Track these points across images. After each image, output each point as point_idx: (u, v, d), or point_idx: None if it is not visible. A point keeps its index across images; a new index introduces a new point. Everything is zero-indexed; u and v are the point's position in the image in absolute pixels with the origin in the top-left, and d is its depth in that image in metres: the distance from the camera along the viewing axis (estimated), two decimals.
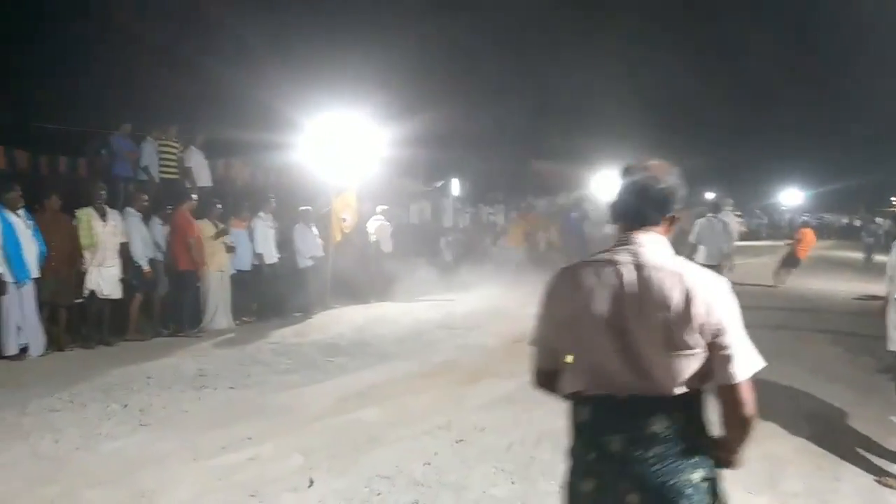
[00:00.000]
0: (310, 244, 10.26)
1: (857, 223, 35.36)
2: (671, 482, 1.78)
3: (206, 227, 8.67)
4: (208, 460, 4.36)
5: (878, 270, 15.27)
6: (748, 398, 1.79)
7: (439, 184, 17.95)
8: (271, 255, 9.74)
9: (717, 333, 1.78)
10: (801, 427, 5.11)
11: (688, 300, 1.76)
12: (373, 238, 11.89)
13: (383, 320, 9.56)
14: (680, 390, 1.80)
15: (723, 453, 1.90)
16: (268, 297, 9.79)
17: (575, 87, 26.16)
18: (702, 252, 9.75)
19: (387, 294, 11.71)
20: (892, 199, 38.15)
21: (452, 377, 6.54)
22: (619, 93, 25.73)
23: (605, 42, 26.04)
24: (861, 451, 4.74)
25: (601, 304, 1.84)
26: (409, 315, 9.99)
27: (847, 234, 31.62)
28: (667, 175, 1.94)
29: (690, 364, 1.78)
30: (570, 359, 1.93)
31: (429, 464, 4.35)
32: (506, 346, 7.97)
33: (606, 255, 1.90)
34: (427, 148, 17.49)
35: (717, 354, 1.79)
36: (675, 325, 1.76)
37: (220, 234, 8.81)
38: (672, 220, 1.96)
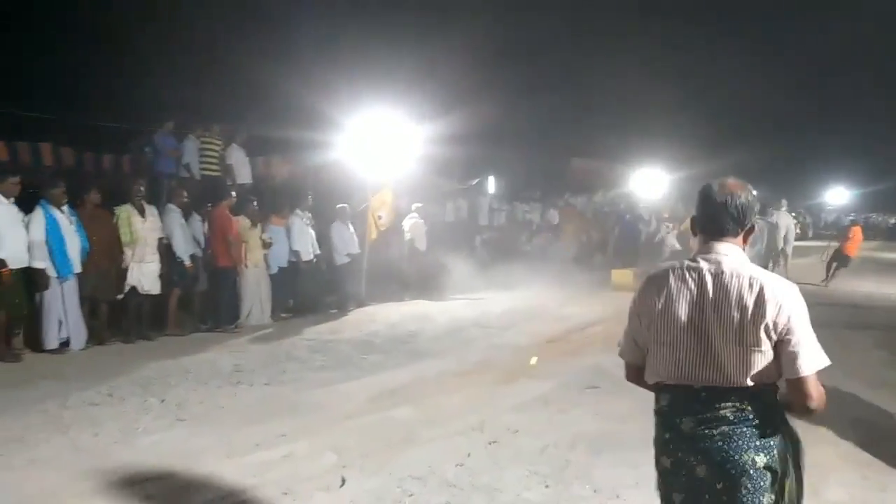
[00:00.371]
0: (346, 241, 10.33)
1: None
2: (735, 458, 2.04)
3: (243, 224, 8.76)
4: (243, 457, 4.38)
5: None
6: (813, 392, 2.06)
7: (475, 181, 17.88)
8: (308, 253, 9.81)
9: (786, 333, 2.03)
10: (846, 433, 4.93)
11: (758, 303, 2.03)
12: (408, 236, 11.90)
13: (418, 318, 9.55)
14: (750, 383, 2.06)
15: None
16: (304, 293, 9.87)
17: (616, 84, 25.84)
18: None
19: (422, 292, 11.71)
20: None
21: (487, 377, 6.49)
22: (661, 90, 25.34)
23: (647, 38, 25.66)
24: None
25: (684, 305, 2.14)
26: (444, 313, 9.97)
27: (895, 235, 30.58)
28: (742, 192, 2.20)
29: (760, 360, 2.04)
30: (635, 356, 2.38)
31: (461, 465, 4.31)
32: (541, 346, 7.89)
33: (690, 263, 2.20)
34: (463, 145, 17.41)
35: (785, 351, 2.04)
36: (747, 324, 2.04)
37: (266, 245, 8.93)
38: (748, 232, 2.23)
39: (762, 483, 2.05)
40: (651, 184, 18.49)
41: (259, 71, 13.45)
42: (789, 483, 2.12)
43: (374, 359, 7.18)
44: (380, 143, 10.54)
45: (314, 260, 9.97)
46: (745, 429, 2.07)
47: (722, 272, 2.12)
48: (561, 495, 3.92)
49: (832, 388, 5.32)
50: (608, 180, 22.57)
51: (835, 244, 14.98)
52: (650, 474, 4.16)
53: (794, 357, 2.03)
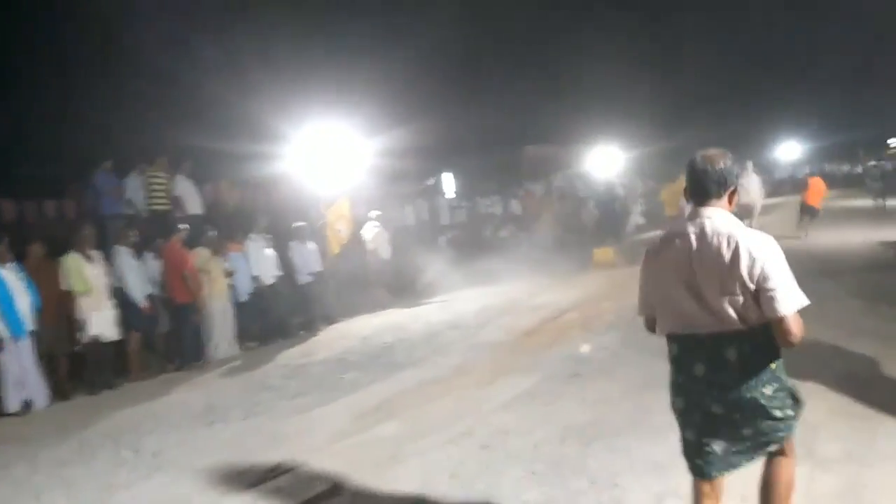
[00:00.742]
0: (307, 260, 10.10)
1: (859, 170, 35.16)
2: (747, 395, 2.45)
3: (201, 256, 8.49)
4: (233, 497, 4.19)
5: (889, 215, 15.13)
6: (794, 328, 2.35)
7: (431, 181, 17.76)
8: (269, 276, 9.57)
9: (763, 280, 2.35)
10: (831, 387, 4.95)
11: (734, 256, 2.37)
12: (370, 246, 11.68)
13: (391, 328, 9.37)
14: (743, 325, 2.41)
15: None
16: (270, 319, 9.61)
17: (565, 66, 25.97)
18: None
19: (392, 300, 11.54)
20: (890, 141, 37.94)
21: (468, 380, 6.37)
22: (610, 69, 25.49)
23: (594, 19, 25.82)
24: (894, 405, 4.57)
25: (678, 264, 2.52)
26: (417, 320, 9.81)
27: (850, 183, 31.31)
28: (722, 159, 2.55)
29: (746, 305, 2.38)
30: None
31: (456, 475, 4.18)
32: (518, 341, 7.80)
33: (680, 227, 2.56)
34: (416, 147, 17.32)
35: (764, 296, 2.35)
36: (727, 276, 2.39)
37: (228, 274, 8.70)
38: (732, 194, 2.56)
39: (775, 402, 2.49)
40: (607, 162, 18.62)
41: (199, 93, 13.12)
42: (790, 389, 2.56)
43: (352, 377, 6.99)
44: (331, 154, 10.36)
45: (275, 283, 9.72)
46: (750, 368, 2.46)
47: (705, 233, 2.47)
48: (560, 492, 3.82)
49: (814, 341, 5.36)
50: (563, 163, 22.67)
51: (796, 197, 15.33)
52: (643, 457, 4.13)
53: (772, 300, 2.34)
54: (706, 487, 2.65)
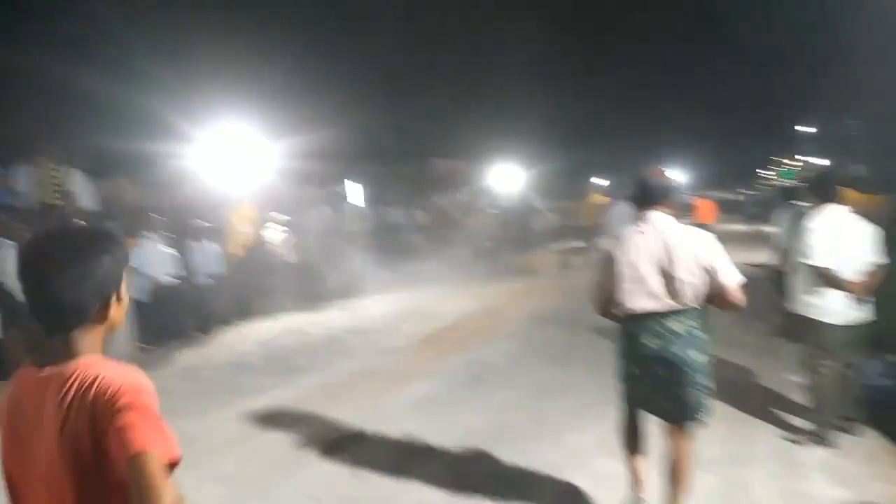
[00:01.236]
0: (206, 261, 9.77)
1: (740, 197, 37.91)
2: (684, 358, 3.13)
3: None
4: None
5: (761, 238, 16.35)
6: (738, 294, 3.12)
7: (338, 188, 17.59)
8: (165, 276, 9.19)
9: (708, 265, 3.09)
10: (712, 394, 5.30)
11: (685, 245, 3.11)
12: (274, 249, 11.45)
13: (293, 332, 9.22)
14: (688, 304, 3.13)
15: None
16: (166, 320, 9.21)
17: (470, 85, 26.46)
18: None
19: (294, 305, 11.33)
20: (761, 172, 41.24)
21: (371, 384, 6.38)
22: (511, 92, 26.28)
23: (496, 42, 26.47)
24: (769, 410, 5.00)
25: (642, 255, 3.14)
26: (319, 324, 9.70)
27: (728, 209, 33.64)
28: (661, 176, 3.37)
29: (692, 287, 3.10)
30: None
31: (358, 478, 4.20)
32: (421, 347, 7.89)
33: (638, 227, 3.23)
34: (324, 151, 17.13)
35: (713, 277, 3.09)
36: (678, 259, 3.08)
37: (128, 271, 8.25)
38: (670, 203, 3.29)
39: (702, 369, 3.20)
40: (508, 179, 19.14)
41: (97, 86, 12.43)
42: (710, 361, 3.26)
43: (250, 381, 6.83)
44: (237, 155, 10.11)
45: (174, 283, 9.35)
46: (688, 337, 3.16)
47: (660, 231, 3.16)
48: (462, 495, 3.91)
49: None
50: (468, 177, 23.07)
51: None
52: (543, 460, 4.30)
53: (723, 275, 3.09)
54: (634, 422, 3.43)
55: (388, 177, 20.11)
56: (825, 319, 4.33)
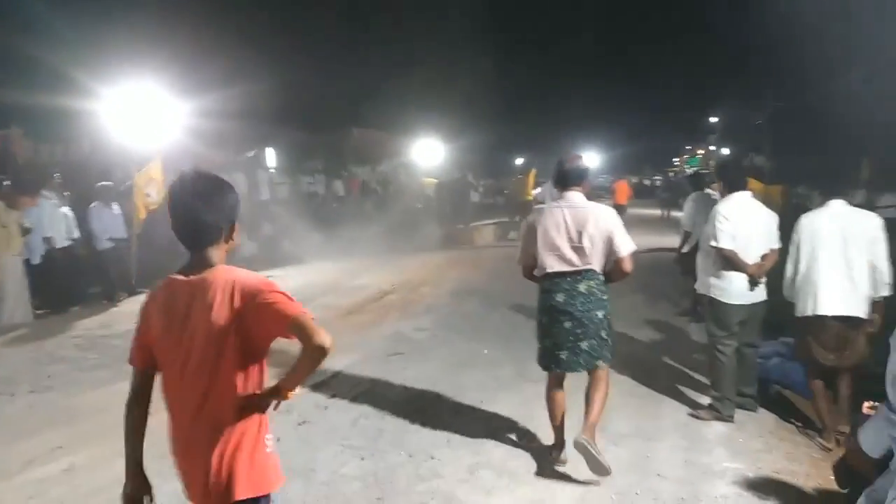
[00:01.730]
0: (108, 224, 9.23)
1: (649, 182, 39.26)
2: (589, 314, 3.72)
3: None
4: (14, 477, 3.79)
5: (672, 224, 17.10)
6: (629, 264, 3.73)
7: (252, 153, 17.02)
8: (63, 239, 8.65)
9: (610, 234, 3.71)
10: (622, 371, 5.54)
11: (592, 220, 3.71)
12: None
13: None
14: (594, 267, 3.74)
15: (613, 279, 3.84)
16: (65, 285, 8.70)
17: (394, 54, 26.08)
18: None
19: None
20: (675, 159, 42.85)
21: (282, 359, 6.20)
22: (433, 66, 26.08)
23: (418, 12, 26.13)
24: (675, 387, 5.24)
25: (557, 226, 3.74)
26: None
27: (640, 194, 34.88)
28: (579, 160, 3.96)
29: (599, 252, 3.72)
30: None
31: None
32: (341, 319, 7.80)
33: (556, 203, 3.85)
34: (237, 117, 16.49)
35: (612, 243, 3.71)
36: (587, 233, 3.69)
37: (26, 231, 7.72)
38: (586, 185, 3.92)
39: (601, 323, 3.76)
40: (429, 153, 19.11)
41: None
42: (609, 320, 3.83)
43: None
44: (144, 113, 9.54)
45: (71, 246, 8.82)
46: (592, 297, 3.74)
47: (573, 207, 3.78)
48: (377, 465, 3.92)
49: None
50: (389, 150, 22.86)
51: (607, 199, 16.96)
52: (459, 431, 4.35)
53: (617, 245, 3.70)
54: (555, 379, 3.94)
55: (306, 144, 19.62)
56: (725, 299, 4.58)
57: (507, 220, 18.12)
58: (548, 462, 3.91)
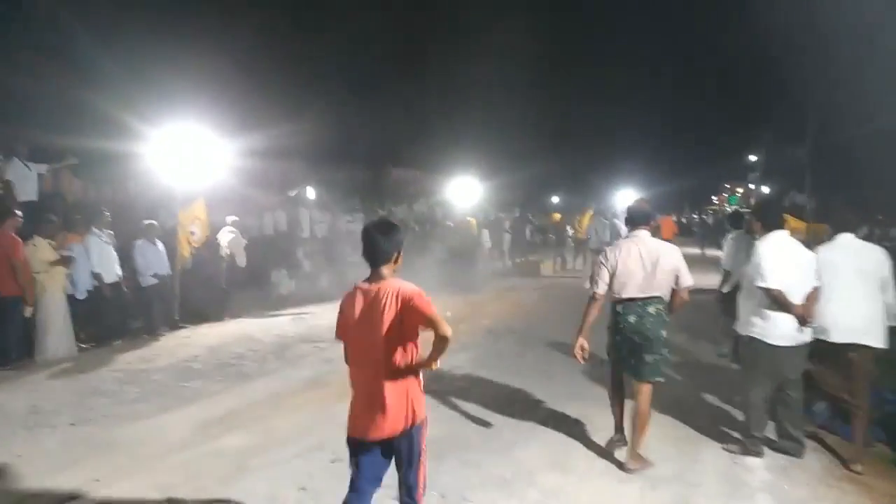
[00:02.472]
0: (152, 261, 9.47)
1: (686, 219, 38.73)
2: (655, 332, 4.39)
3: (41, 245, 7.75)
4: None
5: (711, 262, 16.81)
6: (687, 294, 4.47)
7: (293, 192, 17.35)
8: (111, 274, 8.90)
9: (676, 270, 4.42)
10: (663, 411, 5.42)
11: (662, 255, 4.40)
12: (225, 251, 11.22)
13: (241, 338, 9.03)
14: (662, 294, 4.43)
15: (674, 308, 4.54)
16: (109, 320, 8.92)
17: (430, 97, 26.51)
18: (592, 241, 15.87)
19: (243, 311, 11.12)
20: (714, 197, 42.32)
21: (322, 393, 6.28)
22: (469, 105, 26.44)
23: (454, 54, 26.59)
24: (717, 429, 5.09)
25: (632, 258, 4.42)
26: (269, 331, 9.52)
27: (682, 232, 34.41)
28: (645, 204, 4.75)
29: (666, 283, 4.41)
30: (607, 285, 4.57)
31: (304, 489, 4.12)
32: None
33: (629, 239, 4.56)
34: (280, 157, 16.88)
35: (678, 276, 4.42)
36: (658, 266, 4.37)
37: (65, 261, 7.99)
38: (651, 225, 4.71)
39: (664, 341, 4.45)
40: (466, 191, 19.21)
41: (42, 71, 12.01)
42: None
43: (196, 386, 6.65)
44: (189, 154, 9.86)
45: (119, 282, 9.07)
46: (658, 318, 4.42)
47: (644, 243, 4.48)
48: None
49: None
50: (426, 189, 23.09)
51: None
52: (493, 474, 4.29)
53: (682, 279, 4.44)
54: (619, 381, 4.74)
55: (345, 182, 19.95)
56: (768, 340, 4.47)
57: (556, 255, 19.85)
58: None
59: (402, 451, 3.04)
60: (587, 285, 4.72)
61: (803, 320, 4.37)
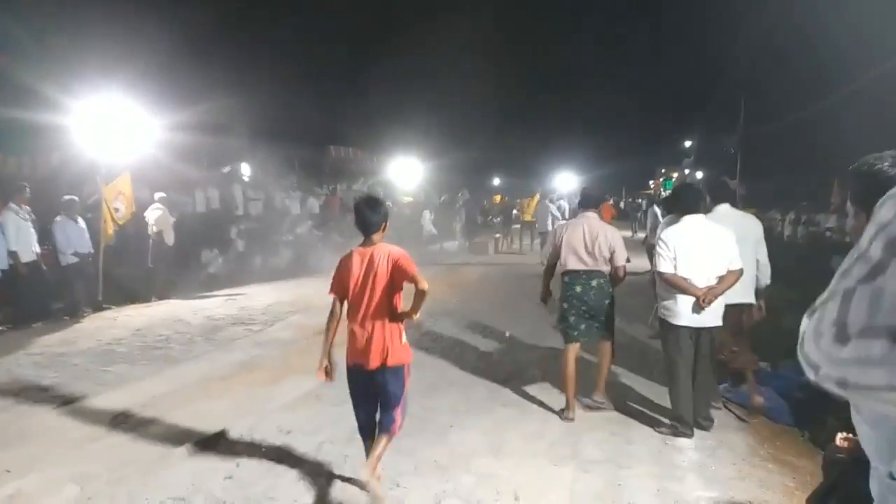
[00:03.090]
0: (73, 238, 8.99)
1: (624, 203, 39.58)
2: (601, 302, 5.11)
3: None
4: None
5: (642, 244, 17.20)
6: (623, 272, 5.15)
7: (226, 169, 16.81)
8: (28, 252, 8.41)
9: (612, 248, 5.08)
10: (592, 395, 5.45)
11: (601, 234, 5.08)
12: (153, 229, 10.73)
13: (169, 320, 8.69)
14: (605, 268, 5.10)
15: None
16: (27, 300, 8.44)
17: (374, 75, 26.10)
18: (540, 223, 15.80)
19: (172, 291, 10.72)
20: (650, 182, 43.30)
21: (252, 377, 6.09)
22: (412, 85, 26.17)
23: (398, 34, 26.22)
24: (649, 412, 5.16)
25: (576, 235, 5.11)
26: (199, 313, 9.20)
27: (619, 215, 35.16)
28: (596, 188, 8.13)
29: (605, 258, 5.07)
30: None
31: (230, 477, 3.96)
32: (308, 340, 7.62)
33: (578, 218, 5.31)
34: (213, 132, 16.27)
35: (614, 255, 5.07)
36: (598, 243, 5.05)
37: None
38: (601, 207, 6.56)
39: (609, 310, 5.13)
40: (407, 172, 19.04)
41: None
42: (614, 308, 5.21)
43: (119, 370, 6.35)
44: (115, 127, 9.36)
45: (37, 260, 8.59)
46: (601, 290, 5.09)
47: (590, 222, 5.15)
48: (340, 493, 3.77)
49: (581, 356, 5.85)
50: (366, 168, 22.74)
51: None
52: (428, 459, 4.23)
53: (616, 256, 5.06)
54: (573, 347, 5.13)
55: (282, 160, 19.44)
56: (675, 321, 4.63)
57: (500, 236, 20.65)
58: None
59: (383, 385, 3.61)
60: (542, 261, 5.75)
61: (706, 302, 4.49)
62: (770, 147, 19.58)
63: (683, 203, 4.87)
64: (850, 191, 2.00)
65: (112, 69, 11.49)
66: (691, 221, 4.70)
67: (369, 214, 3.61)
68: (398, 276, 3.55)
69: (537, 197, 18.62)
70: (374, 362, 3.56)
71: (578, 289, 5.08)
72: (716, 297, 4.54)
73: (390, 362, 3.58)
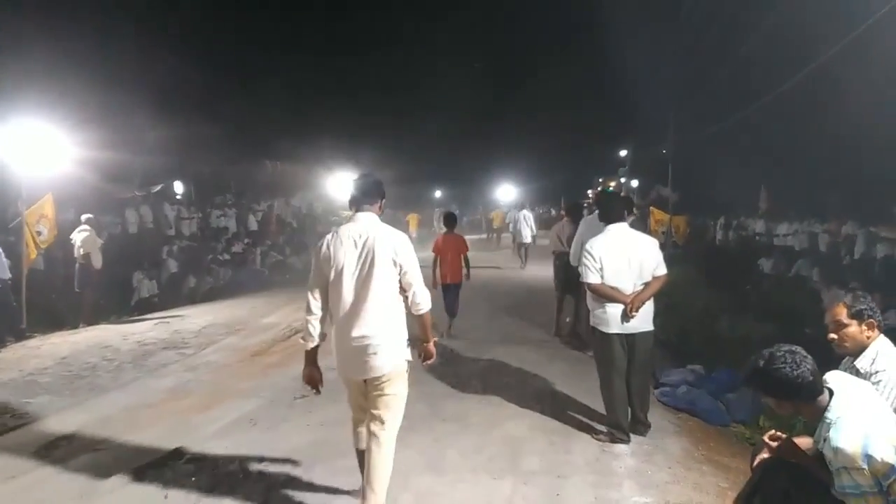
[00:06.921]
0: None
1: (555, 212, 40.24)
2: (575, 274, 5.63)
3: None
4: None
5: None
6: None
7: (157, 188, 16.30)
8: None
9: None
10: (532, 405, 5.52)
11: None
12: (79, 252, 10.27)
13: (96, 347, 8.32)
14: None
15: None
16: None
17: (307, 89, 25.82)
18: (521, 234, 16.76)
19: (100, 316, 10.30)
20: (588, 191, 44.25)
21: (184, 403, 5.87)
22: (349, 98, 26.05)
23: (333, 45, 26.07)
24: (585, 420, 5.20)
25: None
26: (128, 338, 8.85)
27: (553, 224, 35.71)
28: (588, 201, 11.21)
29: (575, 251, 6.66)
30: None
31: None
32: (243, 363, 7.43)
33: (562, 221, 8.28)
34: (142, 151, 15.78)
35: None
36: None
37: None
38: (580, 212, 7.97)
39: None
40: (346, 186, 18.92)
41: None
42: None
43: (41, 401, 6.03)
44: (34, 149, 8.97)
45: None
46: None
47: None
48: None
49: (519, 367, 5.86)
50: (304, 183, 22.42)
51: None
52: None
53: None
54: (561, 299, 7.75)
55: (217, 178, 19.01)
56: (604, 329, 4.71)
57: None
58: None
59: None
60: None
61: (633, 309, 4.58)
62: (697, 156, 20.28)
63: (606, 212, 4.95)
64: (763, 392, 2.58)
65: (30, 88, 11.03)
66: (615, 230, 4.78)
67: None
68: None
69: (500, 213, 21.43)
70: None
71: (559, 263, 7.85)
72: (643, 304, 4.63)
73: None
